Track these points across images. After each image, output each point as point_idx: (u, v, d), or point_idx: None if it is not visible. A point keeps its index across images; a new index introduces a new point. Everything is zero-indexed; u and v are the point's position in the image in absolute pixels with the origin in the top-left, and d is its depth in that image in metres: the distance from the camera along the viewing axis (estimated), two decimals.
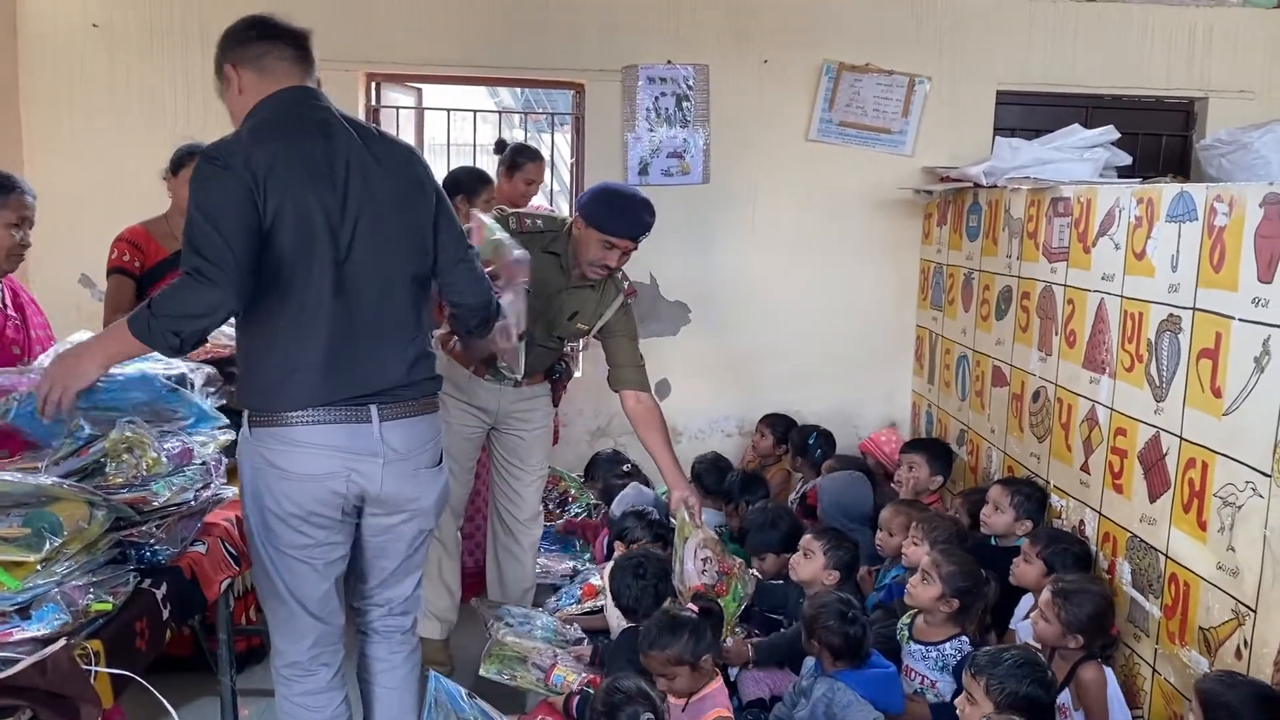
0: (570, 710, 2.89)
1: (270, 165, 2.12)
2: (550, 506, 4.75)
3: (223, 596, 2.45)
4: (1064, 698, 2.78)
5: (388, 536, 2.45)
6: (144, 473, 2.07)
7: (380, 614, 2.57)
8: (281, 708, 2.49)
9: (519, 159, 4.50)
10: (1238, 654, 2.51)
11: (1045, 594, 2.81)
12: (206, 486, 2.28)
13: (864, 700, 2.79)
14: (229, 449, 2.45)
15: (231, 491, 2.44)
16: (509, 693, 3.21)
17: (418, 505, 2.43)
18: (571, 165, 5.24)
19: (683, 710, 2.76)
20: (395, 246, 2.30)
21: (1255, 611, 2.45)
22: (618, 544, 3.71)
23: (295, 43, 2.28)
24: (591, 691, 2.82)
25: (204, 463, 2.25)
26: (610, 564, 3.78)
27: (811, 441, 4.72)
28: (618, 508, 4.08)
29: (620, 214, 3.29)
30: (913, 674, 3.12)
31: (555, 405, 3.82)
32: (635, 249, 3.37)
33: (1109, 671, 2.80)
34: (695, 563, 3.27)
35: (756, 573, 3.58)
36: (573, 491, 4.89)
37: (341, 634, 2.49)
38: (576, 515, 4.72)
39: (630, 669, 2.76)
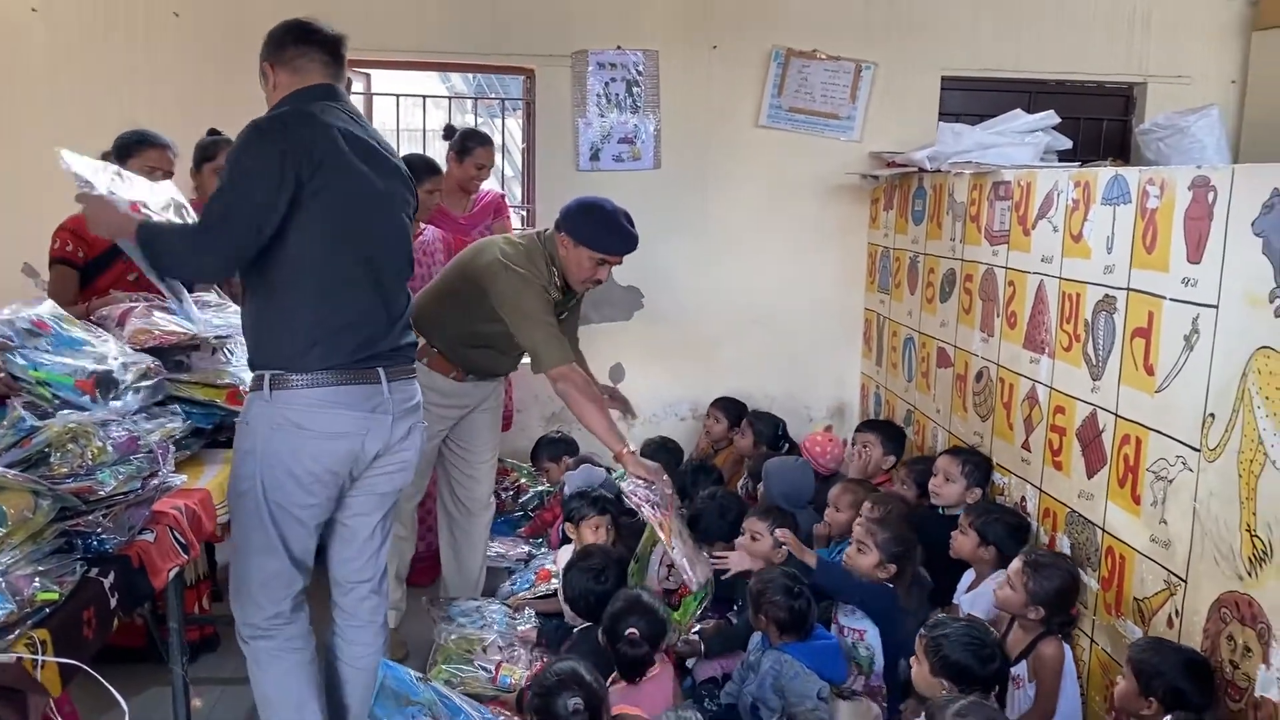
0: (522, 705, 2.92)
1: (310, 142, 2.34)
2: (503, 497, 4.77)
3: (172, 584, 2.44)
4: (1020, 669, 2.86)
5: (373, 486, 2.62)
6: (89, 462, 2.05)
7: (363, 592, 2.70)
8: (261, 664, 2.59)
9: (468, 144, 4.49)
10: (1169, 623, 2.60)
11: (1016, 563, 2.90)
12: (154, 475, 2.26)
13: (810, 671, 2.87)
14: (180, 438, 2.48)
15: (180, 479, 2.43)
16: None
17: (409, 456, 2.65)
18: (523, 150, 5.24)
19: (631, 688, 2.80)
20: (397, 228, 2.58)
21: (1185, 581, 2.54)
22: (567, 525, 3.73)
23: (327, 48, 2.52)
24: None
25: (150, 451, 2.24)
26: (564, 549, 3.82)
27: (780, 432, 4.77)
28: (569, 488, 4.11)
29: (614, 233, 3.35)
30: (846, 631, 3.19)
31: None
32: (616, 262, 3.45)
33: (1068, 649, 2.87)
34: (661, 568, 3.36)
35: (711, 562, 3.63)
36: (524, 481, 4.91)
37: (305, 592, 2.63)
38: (533, 508, 4.73)
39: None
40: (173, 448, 2.39)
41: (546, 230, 3.44)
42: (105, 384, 2.38)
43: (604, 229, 3.33)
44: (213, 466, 2.70)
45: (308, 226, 2.36)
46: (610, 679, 2.78)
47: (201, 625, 3.63)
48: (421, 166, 4.10)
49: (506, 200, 4.94)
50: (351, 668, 2.72)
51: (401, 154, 4.32)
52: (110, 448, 2.09)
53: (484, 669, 3.19)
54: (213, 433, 2.83)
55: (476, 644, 3.28)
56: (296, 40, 2.49)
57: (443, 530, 3.86)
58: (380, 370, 2.50)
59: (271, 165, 2.30)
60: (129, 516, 2.18)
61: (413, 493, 3.67)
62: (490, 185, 4.91)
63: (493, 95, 7.35)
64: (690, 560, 3.15)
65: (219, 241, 2.34)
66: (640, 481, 3.22)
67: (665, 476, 3.35)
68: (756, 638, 3.11)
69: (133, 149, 3.37)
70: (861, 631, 3.18)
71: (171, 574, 2.33)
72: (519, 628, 3.49)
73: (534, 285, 3.28)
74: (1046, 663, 2.81)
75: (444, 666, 3.21)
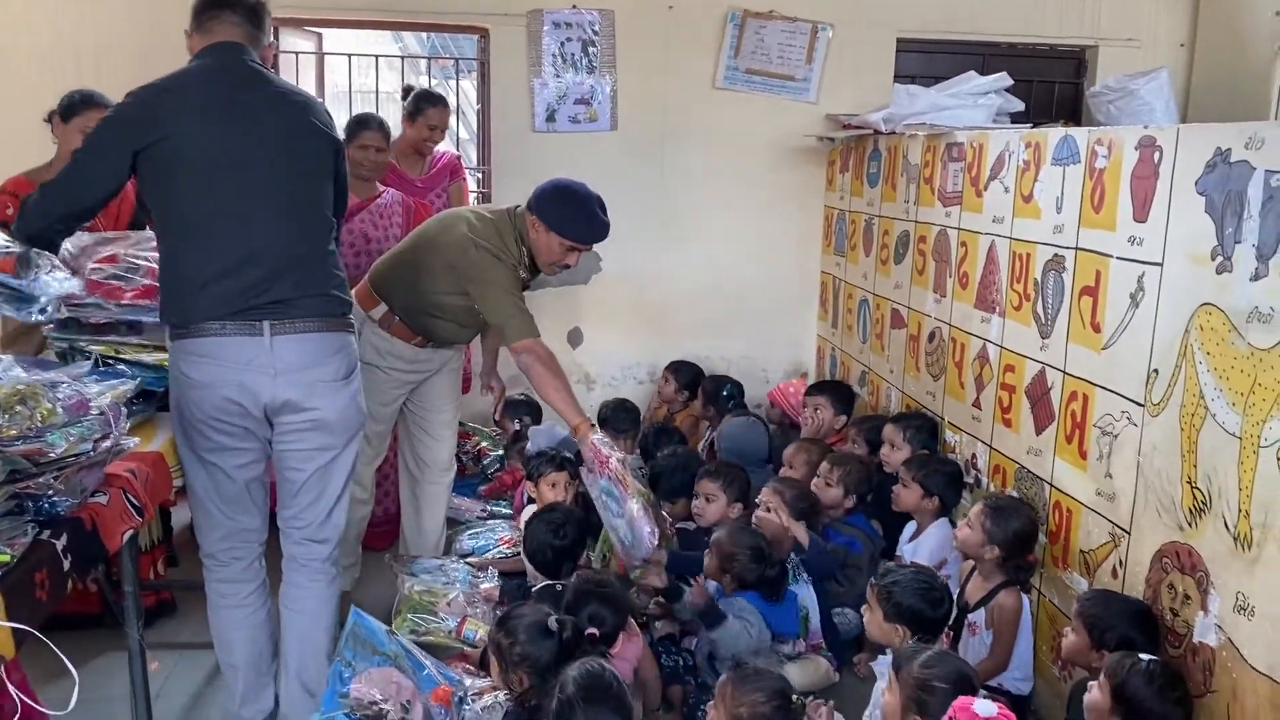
0: (486, 665, 2.95)
1: (177, 103, 2.45)
2: (464, 461, 4.78)
3: (126, 547, 2.43)
4: (977, 616, 2.94)
5: (291, 442, 2.64)
6: (38, 424, 2.03)
7: (298, 537, 2.75)
8: (208, 597, 2.77)
9: (420, 104, 4.43)
10: (1114, 573, 2.67)
11: (978, 506, 2.99)
12: (106, 437, 2.24)
13: (754, 609, 2.99)
14: (131, 399, 2.46)
15: (133, 442, 2.41)
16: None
17: (318, 415, 2.62)
18: (478, 112, 5.19)
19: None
20: (292, 181, 2.56)
21: (1129, 533, 2.61)
22: (528, 484, 3.74)
23: (241, 10, 2.58)
24: None
25: (102, 413, 2.21)
26: (527, 510, 3.83)
27: (725, 392, 4.82)
28: (532, 445, 4.12)
29: (589, 222, 3.34)
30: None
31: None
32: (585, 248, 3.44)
33: (1026, 601, 2.94)
34: (646, 512, 3.19)
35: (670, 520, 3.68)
36: (484, 445, 4.91)
37: (257, 535, 2.75)
38: (494, 472, 4.74)
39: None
40: (124, 410, 2.37)
41: (517, 208, 3.41)
42: (24, 262, 2.42)
43: (578, 217, 3.33)
44: (165, 429, 2.68)
45: (163, 186, 2.47)
46: None
47: (157, 591, 3.60)
48: (350, 123, 4.05)
49: (463, 162, 4.89)
50: (288, 609, 2.79)
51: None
52: (60, 409, 2.06)
53: (449, 621, 3.21)
54: (164, 395, 2.80)
55: (441, 597, 3.30)
56: (211, 4, 2.58)
57: (404, 491, 3.86)
58: (265, 324, 2.49)
59: (102, 138, 2.46)
60: (81, 479, 2.16)
61: (372, 456, 3.67)
62: (445, 147, 4.86)
63: (447, 55, 7.26)
64: (647, 518, 3.17)
65: (38, 209, 2.50)
66: (606, 439, 3.25)
67: (621, 453, 3.38)
68: (712, 586, 3.16)
69: (78, 109, 3.30)
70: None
71: (125, 537, 2.31)
72: (482, 585, 3.51)
73: (504, 264, 3.29)
74: (1005, 612, 2.88)
75: (409, 616, 3.23)
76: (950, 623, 3.04)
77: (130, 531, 2.33)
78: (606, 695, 2.17)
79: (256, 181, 2.50)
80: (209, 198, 2.48)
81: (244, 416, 2.55)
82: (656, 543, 3.14)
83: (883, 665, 2.66)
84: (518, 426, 4.67)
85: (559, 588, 3.03)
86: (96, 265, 2.72)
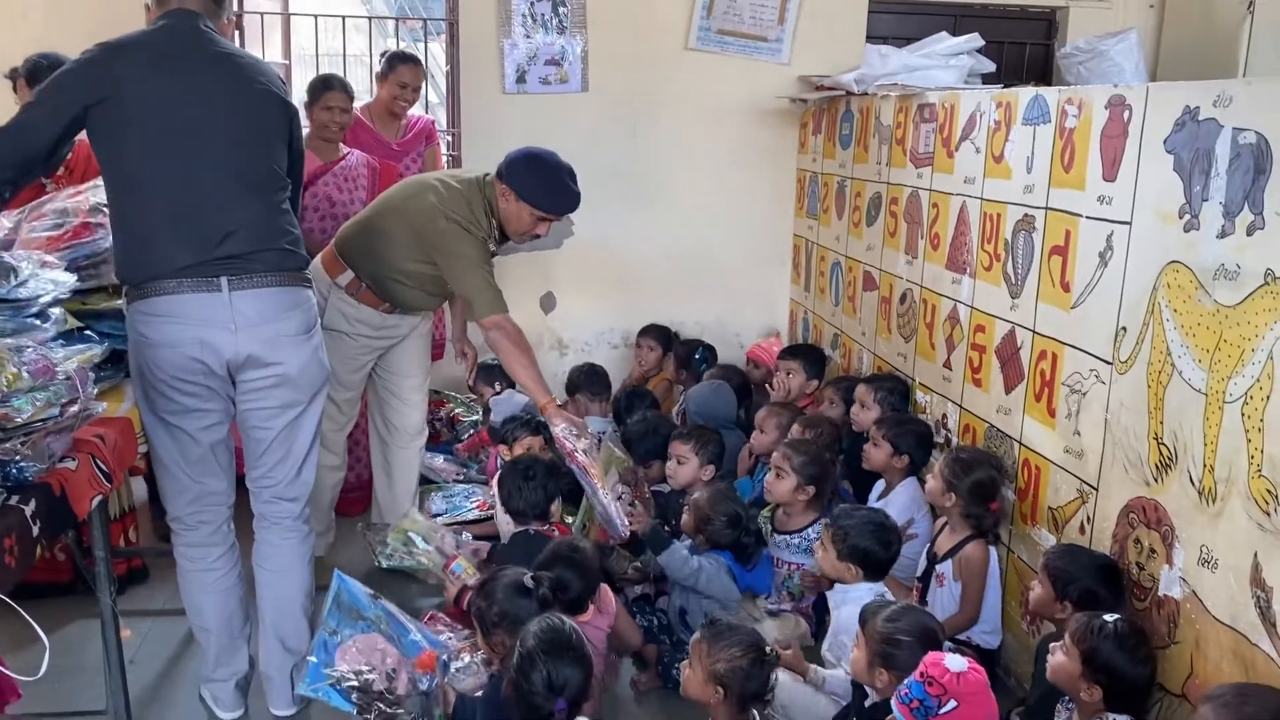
0: (462, 604, 2.96)
1: (128, 60, 2.45)
2: (439, 428, 4.77)
3: (96, 513, 2.41)
4: (945, 567, 2.99)
5: (256, 400, 2.64)
6: (4, 389, 2.01)
7: (267, 496, 2.76)
8: (177, 562, 2.78)
9: (393, 62, 4.37)
10: (1081, 529, 2.71)
11: (944, 456, 3.06)
12: (74, 402, 2.22)
13: (721, 562, 3.06)
14: (99, 365, 2.44)
15: (101, 407, 2.39)
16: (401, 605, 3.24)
17: (281, 370, 2.61)
18: (447, 74, 5.13)
19: None
20: (241, 138, 2.55)
21: (1097, 490, 2.65)
22: (501, 448, 3.75)
23: None
24: None
25: (69, 377, 2.19)
26: (500, 474, 3.84)
27: (698, 356, 4.83)
28: (496, 415, 4.12)
29: (560, 193, 3.34)
30: (780, 563, 3.30)
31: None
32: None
33: (993, 552, 2.99)
34: (617, 504, 3.24)
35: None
36: (458, 411, 4.90)
37: (224, 499, 2.74)
38: (464, 435, 4.73)
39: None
40: (92, 375, 2.34)
41: (486, 176, 3.39)
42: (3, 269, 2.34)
43: (549, 188, 3.32)
44: (132, 395, 2.66)
45: (113, 143, 2.46)
46: None
47: (129, 558, 3.59)
48: (314, 85, 4.02)
49: (436, 127, 4.84)
50: (261, 569, 2.81)
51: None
52: (25, 374, 2.03)
53: (440, 551, 3.22)
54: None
55: (434, 533, 3.31)
56: None
57: (375, 456, 3.85)
58: (223, 279, 2.48)
59: (53, 92, 2.44)
60: (49, 444, 2.14)
61: (344, 421, 3.66)
62: (418, 111, 4.80)
63: (415, 16, 7.16)
64: (618, 511, 3.19)
65: None
66: (571, 429, 3.25)
67: (590, 429, 3.39)
68: (685, 546, 3.19)
69: (43, 73, 3.25)
70: (798, 565, 3.27)
71: (95, 502, 2.30)
72: (468, 539, 3.50)
73: (474, 237, 3.27)
74: (971, 564, 2.93)
75: (402, 529, 3.29)
76: (919, 574, 3.11)
77: (99, 497, 2.31)
78: (566, 648, 2.18)
79: (206, 138, 2.49)
80: (159, 155, 2.46)
81: (208, 375, 2.54)
82: (627, 534, 3.18)
83: (837, 596, 2.73)
84: (496, 390, 4.65)
85: (531, 532, 3.04)
86: (31, 224, 2.69)
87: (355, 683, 2.39)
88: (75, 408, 2.20)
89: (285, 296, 2.59)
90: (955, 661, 2.04)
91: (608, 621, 2.83)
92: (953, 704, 1.98)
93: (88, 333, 2.57)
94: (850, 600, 2.70)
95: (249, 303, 2.52)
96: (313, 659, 2.43)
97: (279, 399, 2.65)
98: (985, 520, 2.97)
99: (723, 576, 3.08)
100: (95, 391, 2.36)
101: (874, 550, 2.77)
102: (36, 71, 3.32)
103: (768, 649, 2.34)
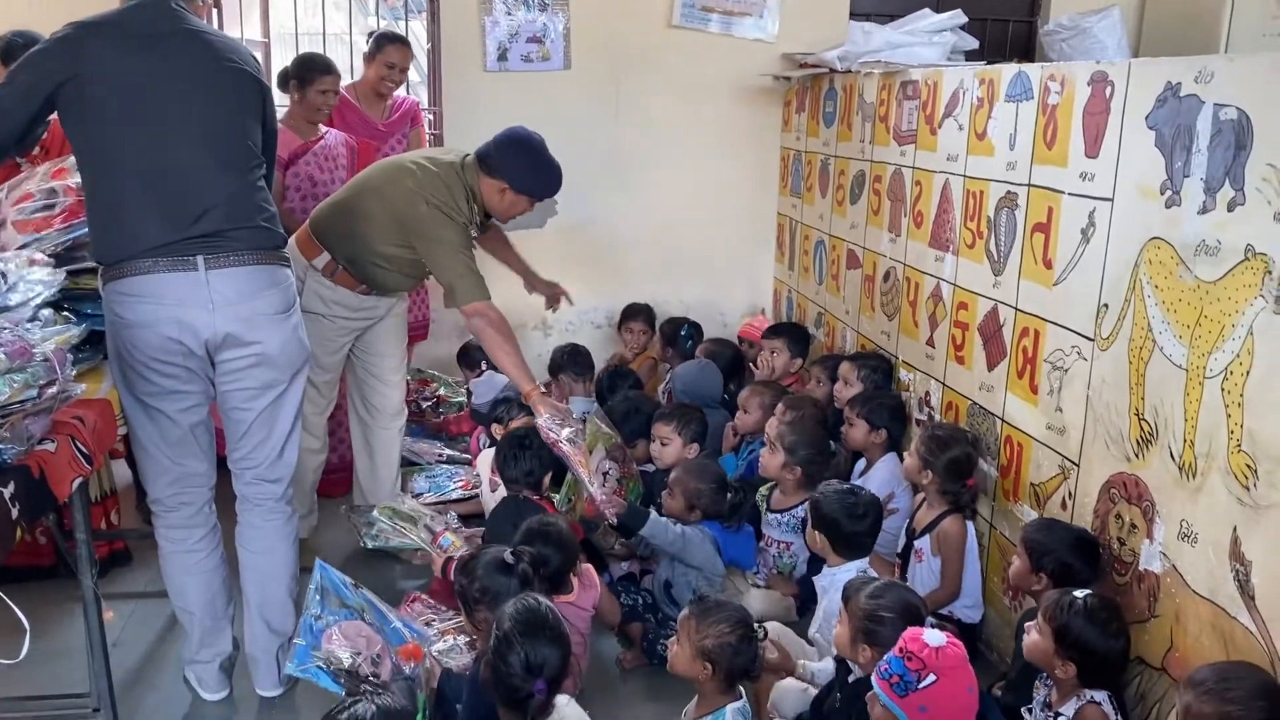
0: (448, 573, 2.97)
1: (99, 38, 2.43)
2: (424, 408, 4.76)
3: (76, 495, 2.39)
4: (923, 543, 3.02)
5: (234, 381, 2.62)
6: None
7: (249, 478, 2.75)
8: (159, 544, 2.78)
9: (381, 43, 4.33)
10: (1063, 505, 2.72)
11: (920, 434, 3.08)
12: (52, 384, 2.20)
13: (708, 534, 3.09)
14: (78, 346, 2.43)
15: (80, 389, 2.37)
16: (384, 587, 3.24)
17: (260, 350, 2.59)
18: (428, 52, 5.08)
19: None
20: (213, 115, 2.52)
21: (1078, 466, 2.66)
22: (495, 426, 3.73)
23: None
24: None
25: (46, 359, 2.17)
26: (483, 454, 3.84)
27: (683, 333, 4.83)
28: (477, 398, 4.11)
29: (549, 174, 3.36)
30: (769, 540, 3.32)
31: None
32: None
33: (970, 527, 3.01)
34: (598, 477, 3.31)
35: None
36: (443, 392, 4.88)
37: (204, 480, 2.73)
38: (442, 415, 4.72)
39: (510, 533, 2.84)
40: (70, 356, 2.32)
41: (466, 158, 3.36)
42: None
43: (539, 171, 3.33)
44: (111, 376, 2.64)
45: (85, 122, 2.44)
46: None
47: (110, 540, 3.57)
48: (301, 65, 4.02)
49: (421, 108, 4.80)
50: (245, 550, 2.81)
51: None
52: (2, 355, 2.01)
53: (428, 529, 3.24)
54: None
55: (422, 514, 3.31)
56: None
57: (356, 438, 3.84)
58: (199, 258, 2.46)
59: (24, 71, 2.43)
60: (27, 426, 2.12)
61: (324, 404, 3.64)
62: (401, 92, 4.76)
63: None
64: (605, 496, 3.20)
65: None
66: (555, 418, 3.24)
67: (575, 412, 3.39)
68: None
69: (17, 52, 3.21)
70: (788, 544, 3.29)
71: (75, 484, 2.28)
72: (455, 524, 3.50)
73: (455, 223, 3.25)
74: (949, 539, 2.95)
75: (387, 510, 3.31)
76: (900, 550, 3.13)
77: (80, 479, 2.29)
78: (543, 628, 2.18)
79: (178, 116, 2.48)
80: (131, 133, 2.44)
81: (186, 356, 2.53)
82: (614, 521, 3.17)
83: (824, 579, 2.75)
84: (478, 373, 4.64)
85: (521, 497, 3.02)
86: (17, 207, 2.66)
87: (343, 664, 2.40)
88: (54, 389, 2.18)
89: (263, 275, 2.57)
90: (934, 636, 2.04)
91: (592, 599, 2.84)
92: (931, 678, 1.99)
93: (66, 314, 2.55)
94: (838, 584, 2.70)
95: (226, 281, 2.49)
96: (300, 642, 2.44)
97: (259, 379, 2.63)
98: (962, 496, 2.99)
99: (707, 545, 3.09)
100: (74, 373, 2.34)
101: (841, 521, 2.77)
102: (11, 50, 3.28)
103: (755, 625, 2.35)
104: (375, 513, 3.33)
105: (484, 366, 4.60)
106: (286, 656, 2.70)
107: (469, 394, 4.63)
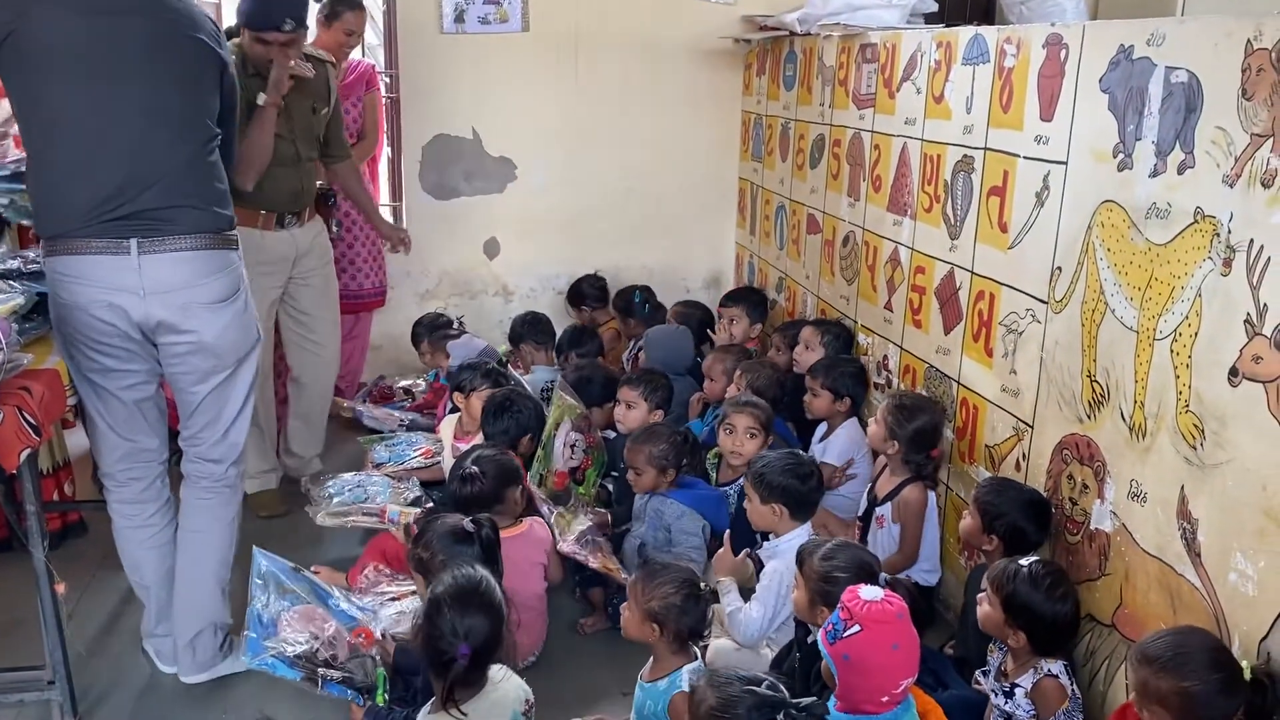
0: (412, 534, 2.99)
1: (34, 7, 2.30)
2: (394, 390, 4.77)
3: (25, 467, 2.35)
4: (884, 509, 3.05)
5: (175, 365, 2.57)
6: None
7: (192, 455, 2.71)
8: (112, 519, 2.77)
9: (337, 7, 4.22)
10: (1017, 466, 2.76)
11: (885, 402, 3.09)
12: None
13: (692, 510, 3.01)
14: (25, 315, 2.42)
15: (27, 359, 2.33)
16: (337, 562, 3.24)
17: (196, 339, 2.52)
18: (385, 13, 5.00)
19: None
20: (163, 84, 2.41)
21: (1032, 427, 2.69)
22: (456, 396, 3.72)
23: None
24: None
25: None
26: (446, 419, 3.82)
27: (637, 300, 4.81)
28: (453, 359, 4.09)
29: (259, 4, 3.27)
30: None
31: (333, 240, 3.99)
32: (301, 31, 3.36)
33: (931, 495, 3.04)
34: (563, 447, 3.36)
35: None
36: (405, 384, 4.85)
37: (155, 455, 2.71)
38: (421, 392, 4.69)
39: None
40: (14, 326, 2.28)
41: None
42: None
43: (255, 6, 3.28)
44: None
45: (23, 81, 2.34)
46: None
47: (64, 512, 3.52)
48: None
49: (378, 71, 4.72)
50: (180, 527, 2.77)
51: None
52: None
53: (367, 514, 3.24)
54: None
55: (355, 509, 3.30)
56: None
57: (294, 400, 3.99)
58: (133, 241, 2.38)
59: None
60: None
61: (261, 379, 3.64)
62: (356, 55, 4.67)
63: None
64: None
65: None
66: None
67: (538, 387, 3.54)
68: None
69: None
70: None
71: (23, 456, 2.24)
72: (406, 496, 3.49)
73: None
74: (909, 506, 2.98)
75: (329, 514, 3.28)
76: (860, 515, 3.15)
77: (28, 450, 2.25)
78: (474, 595, 2.16)
79: (123, 83, 2.36)
80: (71, 97, 2.34)
81: (123, 338, 2.47)
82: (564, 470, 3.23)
83: (766, 551, 2.76)
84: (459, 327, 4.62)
85: (467, 468, 3.00)
86: None
87: (299, 650, 2.38)
88: None
89: (201, 261, 2.47)
90: (870, 591, 2.05)
91: (543, 546, 2.86)
92: (856, 628, 1.98)
93: (10, 281, 2.50)
94: (780, 553, 2.70)
95: (159, 268, 2.41)
96: (250, 634, 2.41)
97: (200, 365, 2.57)
98: (925, 466, 3.02)
99: (697, 525, 3.12)
100: (20, 343, 2.31)
101: (793, 485, 2.74)
102: None
103: (702, 585, 2.36)
104: (318, 519, 3.29)
105: (458, 327, 4.56)
106: (209, 645, 2.74)
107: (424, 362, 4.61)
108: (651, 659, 2.41)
